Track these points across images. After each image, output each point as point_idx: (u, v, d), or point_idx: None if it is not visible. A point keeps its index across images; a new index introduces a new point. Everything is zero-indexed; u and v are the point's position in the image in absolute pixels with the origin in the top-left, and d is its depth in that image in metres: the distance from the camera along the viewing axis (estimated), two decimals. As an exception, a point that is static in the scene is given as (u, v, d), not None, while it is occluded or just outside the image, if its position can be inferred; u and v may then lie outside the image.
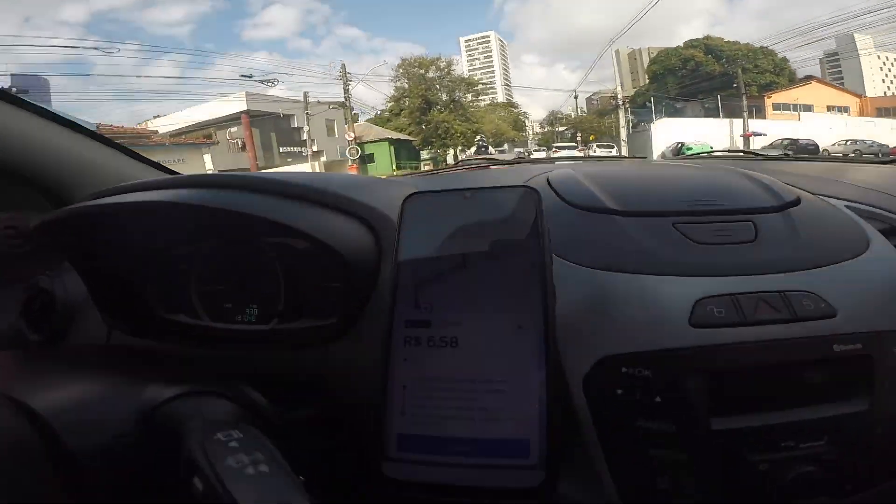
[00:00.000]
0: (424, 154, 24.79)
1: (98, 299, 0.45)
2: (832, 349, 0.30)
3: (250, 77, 18.07)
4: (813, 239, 0.36)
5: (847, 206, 0.42)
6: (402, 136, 22.73)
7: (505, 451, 0.27)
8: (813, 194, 0.43)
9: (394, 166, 19.54)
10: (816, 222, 0.38)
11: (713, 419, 0.29)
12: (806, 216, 0.38)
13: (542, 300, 0.28)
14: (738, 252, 0.34)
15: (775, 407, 0.30)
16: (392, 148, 21.12)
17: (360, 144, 18.63)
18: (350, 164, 15.64)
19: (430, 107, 24.82)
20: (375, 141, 20.48)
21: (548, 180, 0.43)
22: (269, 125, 17.37)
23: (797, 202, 0.39)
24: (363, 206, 0.39)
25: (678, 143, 16.83)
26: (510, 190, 0.31)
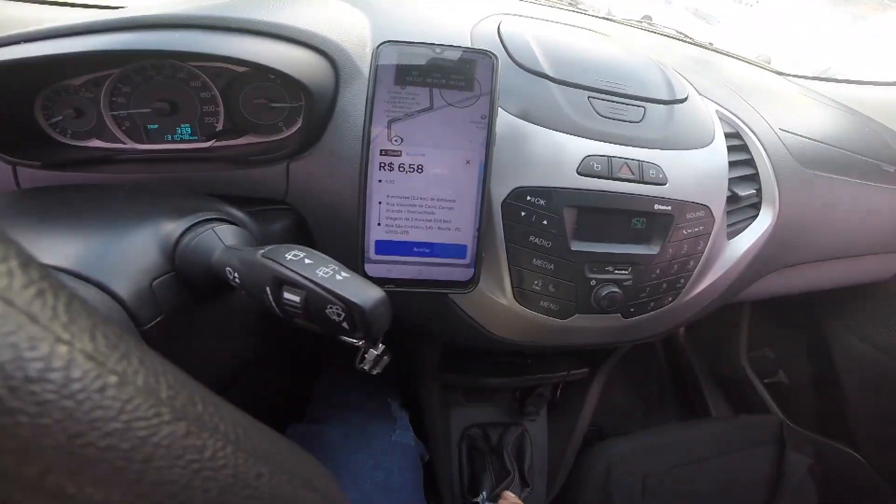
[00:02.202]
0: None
1: None
2: (653, 207, 0.44)
3: None
4: (678, 130, 0.47)
5: (716, 110, 0.54)
6: None
7: (450, 253, 0.38)
8: (699, 93, 0.55)
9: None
10: (687, 118, 0.49)
11: (573, 241, 0.43)
12: (683, 112, 0.49)
13: (485, 144, 0.37)
14: (625, 127, 0.45)
15: (610, 240, 0.45)
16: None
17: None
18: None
19: None
20: None
21: (499, 30, 0.48)
22: None
23: (684, 100, 0.49)
24: (313, 35, 0.40)
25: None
26: (473, 51, 0.36)
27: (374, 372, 0.43)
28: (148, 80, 0.42)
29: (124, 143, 0.43)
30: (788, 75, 0.86)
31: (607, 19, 0.76)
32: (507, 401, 0.76)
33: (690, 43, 0.81)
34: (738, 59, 0.82)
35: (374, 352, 0.42)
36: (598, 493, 0.67)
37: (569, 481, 0.74)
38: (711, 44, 0.84)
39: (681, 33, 0.83)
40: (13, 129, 0.40)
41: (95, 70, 0.41)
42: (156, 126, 0.43)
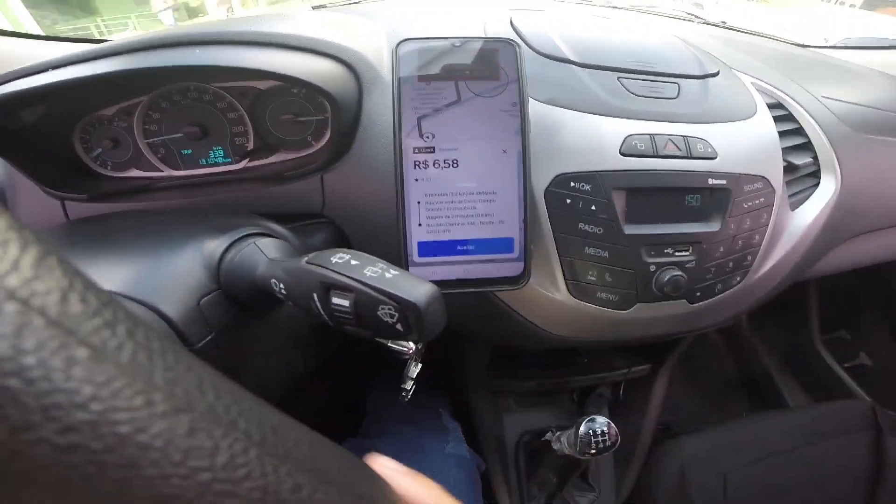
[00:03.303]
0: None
1: (37, 177, 0.40)
2: (707, 181, 0.41)
3: None
4: (718, 103, 0.45)
5: (752, 83, 0.52)
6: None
7: (496, 248, 0.35)
8: (730, 67, 0.52)
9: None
10: (724, 91, 0.47)
11: (626, 225, 0.40)
12: (719, 86, 0.47)
13: (520, 131, 0.35)
14: (663, 104, 0.43)
15: (666, 221, 0.42)
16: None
17: None
18: None
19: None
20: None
21: (512, 23, 0.47)
22: None
23: (716, 74, 0.48)
24: (332, 45, 0.40)
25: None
26: (494, 40, 0.35)
27: (406, 398, 0.42)
28: (176, 104, 0.42)
29: (162, 171, 0.44)
30: (810, 46, 0.81)
31: (613, 7, 0.74)
32: (563, 404, 0.72)
33: (703, 23, 0.78)
34: (755, 34, 0.78)
35: (414, 370, 0.40)
36: (673, 493, 0.62)
37: (639, 483, 0.69)
38: (724, 22, 0.80)
39: (691, 14, 0.80)
40: (58, 165, 0.41)
41: (125, 98, 0.41)
42: (190, 151, 0.44)
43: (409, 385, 0.41)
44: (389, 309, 0.22)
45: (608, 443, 0.54)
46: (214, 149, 0.44)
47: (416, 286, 0.22)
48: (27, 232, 0.10)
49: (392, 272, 0.23)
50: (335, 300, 0.24)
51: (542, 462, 0.67)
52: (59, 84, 0.35)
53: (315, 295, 0.24)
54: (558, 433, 0.60)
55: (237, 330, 0.31)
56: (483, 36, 0.35)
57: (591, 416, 0.56)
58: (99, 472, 0.10)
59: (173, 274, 0.28)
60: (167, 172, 0.44)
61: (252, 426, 0.13)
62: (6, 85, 0.36)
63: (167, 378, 0.11)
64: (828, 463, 0.66)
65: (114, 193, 0.42)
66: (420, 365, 0.41)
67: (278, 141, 0.44)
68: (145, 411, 0.10)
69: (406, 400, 0.42)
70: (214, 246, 0.30)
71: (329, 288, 0.24)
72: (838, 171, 0.53)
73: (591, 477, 0.69)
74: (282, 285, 0.26)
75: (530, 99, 0.39)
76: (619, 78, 0.43)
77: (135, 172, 0.44)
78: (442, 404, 0.63)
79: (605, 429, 0.54)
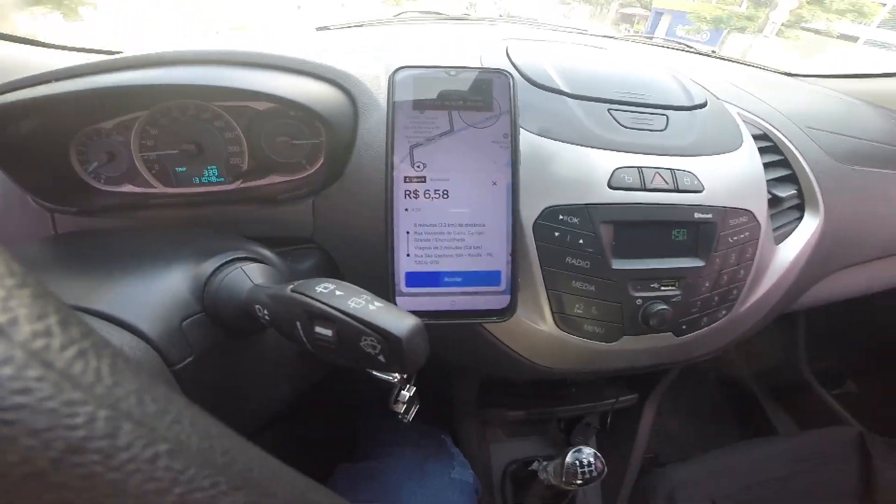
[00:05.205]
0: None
1: (30, 188, 0.40)
2: (693, 216, 0.42)
3: None
4: (705, 135, 0.46)
5: (738, 113, 0.52)
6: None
7: (484, 281, 0.36)
8: (717, 98, 0.53)
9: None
10: (712, 123, 0.48)
11: (614, 260, 0.41)
12: (706, 117, 0.47)
13: (511, 163, 0.35)
14: (651, 137, 0.43)
15: (652, 255, 0.42)
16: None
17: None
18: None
19: None
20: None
21: (507, 53, 0.48)
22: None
23: (704, 105, 0.48)
24: (332, 69, 0.41)
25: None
26: (488, 71, 0.36)
27: (408, 419, 0.41)
28: (174, 121, 0.42)
29: (155, 188, 0.44)
30: (797, 75, 0.84)
31: (607, 37, 0.75)
32: (551, 433, 0.72)
33: (693, 52, 0.80)
34: (744, 64, 0.80)
35: (406, 394, 0.40)
36: None
37: None
38: (714, 52, 0.83)
39: (682, 43, 0.82)
40: (51, 176, 0.41)
41: (125, 112, 0.42)
42: (184, 169, 0.44)
43: (402, 408, 0.40)
44: (372, 340, 0.22)
45: (594, 473, 0.53)
46: (209, 168, 0.44)
47: (399, 319, 0.22)
48: (98, 337, 0.12)
49: (376, 304, 0.23)
50: (318, 329, 0.24)
51: (529, 491, 0.66)
52: (62, 95, 0.35)
53: (298, 323, 0.24)
54: (545, 463, 0.59)
55: (220, 353, 0.30)
56: (478, 66, 0.36)
57: (578, 447, 0.55)
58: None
59: (157, 294, 0.28)
60: (160, 189, 0.44)
61: (287, 494, 0.15)
62: (7, 95, 0.36)
63: (224, 461, 0.13)
64: (819, 489, 0.66)
65: (105, 208, 0.42)
66: (414, 388, 0.40)
67: (273, 163, 0.44)
68: (213, 491, 0.13)
69: (407, 422, 0.41)
70: (201, 268, 0.30)
71: (313, 317, 0.24)
72: (821, 203, 0.53)
73: (578, 507, 0.68)
74: (266, 311, 0.27)
75: (522, 130, 0.40)
76: (609, 109, 0.44)
77: (128, 188, 0.44)
78: (443, 431, 0.63)
79: (592, 459, 0.54)
